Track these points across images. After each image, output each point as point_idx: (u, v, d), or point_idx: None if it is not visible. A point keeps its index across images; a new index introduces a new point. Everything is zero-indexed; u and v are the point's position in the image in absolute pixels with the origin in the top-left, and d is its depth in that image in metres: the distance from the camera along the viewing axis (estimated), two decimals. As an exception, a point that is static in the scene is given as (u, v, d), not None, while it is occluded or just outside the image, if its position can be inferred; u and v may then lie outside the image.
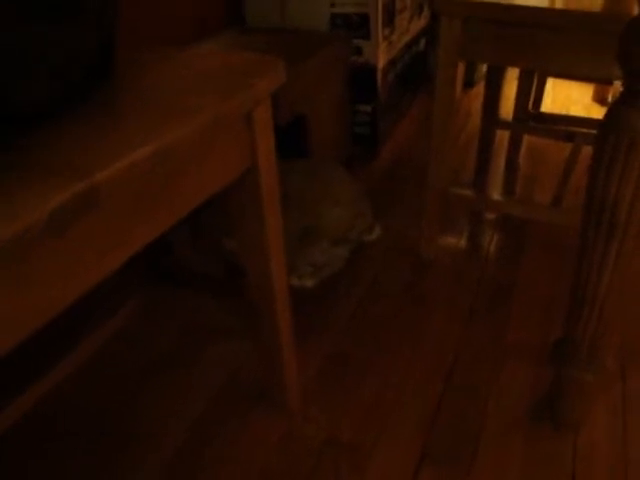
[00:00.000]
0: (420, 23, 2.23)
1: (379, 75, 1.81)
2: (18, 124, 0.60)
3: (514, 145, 1.86)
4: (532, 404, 1.07)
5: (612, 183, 0.78)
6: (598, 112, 2.31)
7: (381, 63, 1.81)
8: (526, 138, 1.96)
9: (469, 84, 2.53)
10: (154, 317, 1.28)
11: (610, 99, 2.40)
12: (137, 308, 1.20)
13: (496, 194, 1.73)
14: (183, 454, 1.00)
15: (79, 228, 0.52)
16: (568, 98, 2.46)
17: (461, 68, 1.28)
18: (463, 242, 1.53)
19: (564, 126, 1.80)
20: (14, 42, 0.56)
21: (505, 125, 1.80)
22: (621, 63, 0.74)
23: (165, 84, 0.71)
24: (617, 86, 2.27)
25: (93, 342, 1.09)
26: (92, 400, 1.10)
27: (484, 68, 2.51)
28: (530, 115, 1.82)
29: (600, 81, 2.40)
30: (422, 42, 2.31)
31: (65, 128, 0.59)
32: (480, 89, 2.47)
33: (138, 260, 1.27)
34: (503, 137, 2.01)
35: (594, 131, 1.70)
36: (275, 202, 0.82)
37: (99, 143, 0.55)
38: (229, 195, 0.82)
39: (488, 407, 1.07)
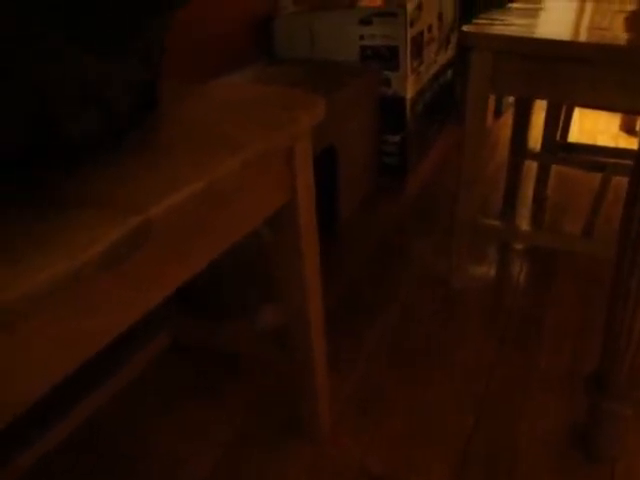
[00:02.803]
0: (447, 55, 2.26)
1: (408, 106, 1.84)
2: (69, 158, 0.63)
3: (542, 175, 1.87)
4: (565, 435, 1.06)
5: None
6: (626, 142, 2.31)
7: (409, 94, 1.84)
8: (554, 168, 1.96)
9: (497, 113, 2.55)
10: (182, 347, 1.29)
11: (638, 128, 2.39)
12: (166, 340, 1.21)
13: (525, 225, 1.73)
14: (216, 482, 1.01)
15: (131, 262, 0.54)
16: (595, 128, 2.47)
17: (491, 100, 1.30)
18: (492, 272, 1.53)
19: (592, 156, 1.80)
20: (64, 76, 0.58)
21: (533, 156, 1.81)
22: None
23: (207, 117, 0.74)
24: (645, 116, 2.28)
25: (121, 378, 1.10)
26: (118, 432, 1.11)
27: (511, 98, 2.53)
28: (558, 145, 1.82)
29: (628, 112, 2.40)
30: (449, 73, 2.34)
31: (115, 162, 0.61)
32: (508, 118, 2.48)
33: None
34: (531, 167, 2.01)
35: (623, 161, 1.70)
36: (313, 235, 0.84)
37: (150, 178, 0.57)
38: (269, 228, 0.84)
39: (520, 439, 1.06)
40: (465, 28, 1.24)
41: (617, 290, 0.86)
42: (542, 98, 1.27)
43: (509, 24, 1.27)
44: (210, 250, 0.66)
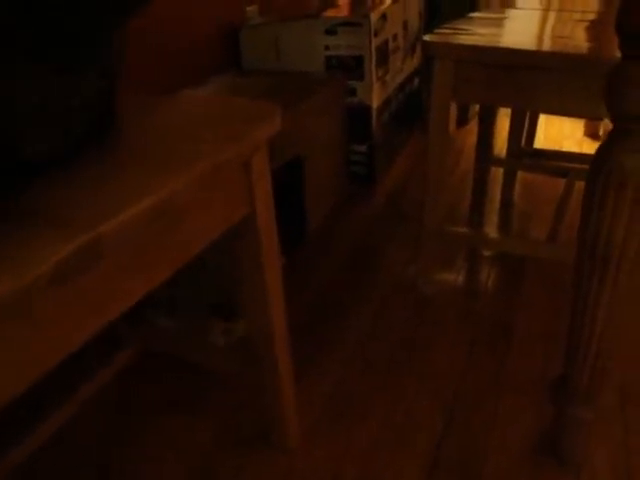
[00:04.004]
0: (413, 62, 2.28)
1: (374, 115, 1.85)
2: (21, 174, 0.61)
3: (508, 182, 1.89)
4: (535, 440, 1.06)
5: (604, 221, 0.79)
6: (590, 147, 2.34)
7: (375, 103, 1.85)
8: (520, 174, 1.99)
9: (463, 122, 2.58)
10: (152, 359, 1.28)
11: (601, 133, 2.43)
12: (134, 354, 1.20)
13: (492, 231, 1.75)
14: (183, 499, 0.99)
15: (83, 278, 0.54)
16: (560, 133, 2.50)
17: (453, 108, 1.31)
18: (461, 278, 1.54)
19: (557, 162, 1.83)
20: (17, 92, 0.57)
21: (499, 162, 1.83)
22: (608, 106, 0.76)
23: (164, 131, 0.73)
24: (607, 121, 2.31)
25: (90, 389, 1.08)
26: (89, 443, 1.10)
27: (477, 106, 2.56)
28: (523, 151, 1.85)
29: (590, 118, 2.44)
30: (416, 81, 2.35)
31: (69, 177, 0.60)
32: (474, 126, 2.51)
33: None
34: (497, 174, 2.04)
35: (586, 166, 1.72)
36: (273, 247, 0.84)
37: (103, 194, 0.56)
38: (227, 242, 0.83)
39: (490, 443, 1.07)
40: (427, 37, 1.25)
41: (576, 295, 0.87)
42: (505, 106, 1.29)
43: (472, 33, 1.29)
44: (168, 265, 0.65)
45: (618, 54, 0.74)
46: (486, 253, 1.64)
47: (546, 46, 1.18)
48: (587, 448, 1.04)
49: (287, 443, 1.05)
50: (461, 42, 1.20)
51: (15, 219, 0.52)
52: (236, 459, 1.05)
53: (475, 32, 1.29)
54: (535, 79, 1.14)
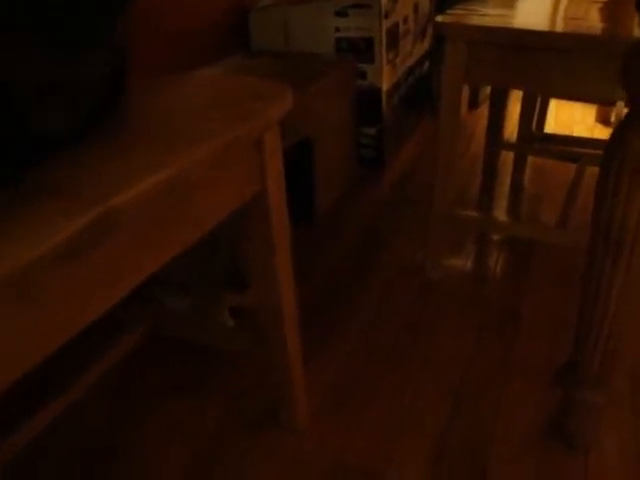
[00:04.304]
0: (423, 46, 2.26)
1: (384, 98, 1.83)
2: (35, 153, 0.61)
3: (518, 166, 1.88)
4: (542, 425, 1.06)
5: (618, 206, 0.79)
6: (601, 132, 2.32)
7: (385, 86, 1.83)
8: (530, 159, 1.97)
9: (474, 105, 2.56)
10: (158, 342, 1.28)
11: (613, 119, 2.41)
12: (141, 336, 1.20)
13: (501, 215, 1.74)
14: (191, 473, 1.00)
15: (97, 252, 0.53)
16: (571, 119, 2.48)
17: (465, 91, 1.30)
18: (469, 263, 1.53)
19: (568, 147, 1.81)
20: (30, 72, 0.57)
21: (509, 146, 1.81)
22: (625, 87, 0.75)
23: (176, 110, 0.73)
24: (620, 106, 2.29)
25: (97, 370, 1.09)
26: (94, 425, 1.10)
27: (488, 89, 2.54)
28: (534, 136, 1.83)
29: (603, 102, 2.42)
30: (426, 65, 2.33)
31: (80, 156, 0.60)
32: (485, 110, 2.49)
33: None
34: (508, 158, 2.02)
35: (598, 152, 1.71)
36: (284, 226, 0.83)
37: (113, 170, 0.56)
38: (238, 219, 0.83)
39: (498, 428, 1.07)
40: (439, 18, 1.23)
41: (589, 279, 0.86)
42: (517, 88, 1.27)
43: (484, 14, 1.27)
44: (179, 241, 0.65)
45: (635, 34, 0.72)
46: (495, 237, 1.63)
47: (559, 27, 1.16)
48: (596, 432, 1.03)
49: (296, 424, 1.06)
50: (474, 23, 1.19)
51: (28, 193, 0.52)
52: (244, 442, 1.06)
53: (488, 13, 1.28)
54: (548, 61, 1.12)
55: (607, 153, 0.79)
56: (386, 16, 1.75)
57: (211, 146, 0.63)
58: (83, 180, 0.54)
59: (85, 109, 0.66)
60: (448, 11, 1.30)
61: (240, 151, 0.72)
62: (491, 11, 1.30)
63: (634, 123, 0.76)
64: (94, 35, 0.64)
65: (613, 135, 0.78)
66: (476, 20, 1.21)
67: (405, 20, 1.96)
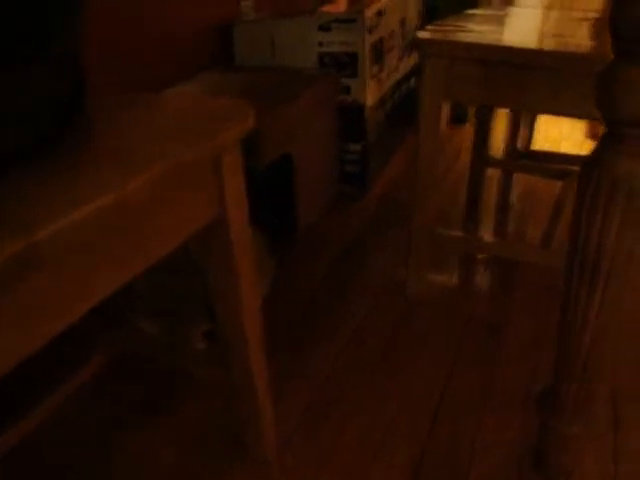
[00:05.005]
0: (410, 61, 2.24)
1: (368, 113, 1.81)
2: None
3: (505, 183, 1.85)
4: (520, 452, 1.03)
5: (594, 227, 0.76)
6: (590, 148, 2.30)
7: (370, 101, 1.81)
8: (517, 176, 1.95)
9: (461, 120, 2.53)
10: (122, 369, 1.24)
11: (603, 135, 2.38)
12: (106, 360, 1.16)
13: (486, 234, 1.71)
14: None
15: (25, 287, 0.50)
16: (560, 134, 2.46)
17: (445, 108, 1.27)
18: (452, 282, 1.50)
19: (556, 163, 1.79)
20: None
21: (495, 163, 1.79)
22: (599, 108, 0.72)
23: (131, 131, 0.69)
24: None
25: (57, 397, 1.05)
26: (59, 454, 1.06)
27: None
28: (521, 153, 1.80)
29: (591, 119, 2.39)
30: (412, 80, 2.31)
31: (17, 179, 0.56)
32: (472, 125, 2.47)
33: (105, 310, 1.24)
34: (494, 175, 1.99)
35: (585, 169, 1.68)
36: (246, 252, 0.80)
37: (47, 197, 0.53)
38: (199, 245, 0.79)
39: (475, 455, 1.03)
40: (419, 34, 1.21)
41: (565, 305, 0.83)
42: (500, 107, 1.25)
43: (468, 30, 1.25)
44: (123, 273, 0.61)
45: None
46: (479, 256, 1.60)
47: (546, 44, 1.13)
48: (575, 462, 1.00)
49: (264, 455, 1.02)
50: (456, 39, 1.16)
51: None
52: (207, 472, 1.02)
53: (472, 29, 1.25)
54: (534, 78, 1.10)
55: (584, 172, 0.76)
56: (370, 31, 1.72)
57: (160, 169, 0.59)
58: (11, 206, 0.51)
59: (28, 125, 0.62)
60: (429, 26, 1.28)
61: (195, 174, 0.68)
62: (476, 27, 1.28)
63: (610, 143, 0.73)
64: (40, 44, 0.61)
65: (590, 154, 0.75)
66: (459, 36, 1.18)
67: (391, 35, 1.94)
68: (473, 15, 1.43)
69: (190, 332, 1.22)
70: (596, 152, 0.75)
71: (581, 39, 1.16)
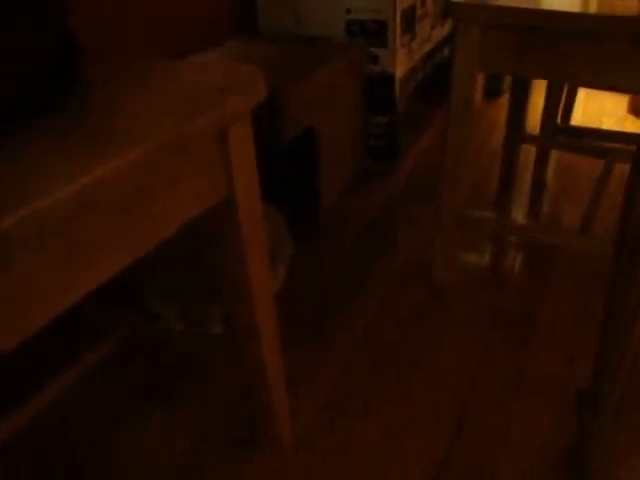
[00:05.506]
0: (444, 30, 2.13)
1: (397, 85, 1.71)
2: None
3: (541, 161, 1.74)
4: (552, 456, 0.95)
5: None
6: (633, 125, 2.17)
7: (399, 72, 1.71)
8: (554, 154, 1.84)
9: (496, 93, 2.41)
10: (138, 353, 1.19)
11: (647, 111, 2.26)
12: (120, 344, 1.11)
13: (520, 216, 1.61)
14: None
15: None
16: (601, 109, 2.33)
17: (480, 79, 1.18)
18: (482, 266, 1.41)
19: (596, 141, 1.68)
20: None
21: (531, 139, 1.68)
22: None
23: (130, 102, 0.62)
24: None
25: (70, 378, 1.01)
26: (72, 436, 1.02)
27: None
28: (559, 129, 1.70)
29: (637, 92, 2.26)
30: (446, 50, 2.20)
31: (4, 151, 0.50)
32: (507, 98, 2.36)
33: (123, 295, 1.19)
34: (530, 152, 1.88)
35: (628, 147, 1.58)
36: (257, 234, 0.73)
37: (35, 173, 0.46)
38: (207, 227, 0.72)
39: (502, 459, 0.96)
40: (452, -1, 1.11)
41: (613, 293, 0.75)
42: (536, 77, 1.15)
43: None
44: (118, 256, 0.55)
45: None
46: (512, 238, 1.51)
47: (591, 8, 1.03)
48: (613, 470, 0.92)
49: (280, 447, 0.96)
50: (488, 3, 1.07)
51: None
52: (222, 462, 0.97)
53: (509, -7, 1.16)
54: (576, 48, 1.01)
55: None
56: (401, -3, 1.62)
57: (153, 145, 0.52)
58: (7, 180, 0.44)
59: (15, 93, 0.56)
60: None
61: (198, 148, 0.61)
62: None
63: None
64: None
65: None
66: (496, 1, 1.09)
67: (423, 1, 1.83)
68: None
69: (207, 316, 1.17)
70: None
71: (630, 1, 1.06)
